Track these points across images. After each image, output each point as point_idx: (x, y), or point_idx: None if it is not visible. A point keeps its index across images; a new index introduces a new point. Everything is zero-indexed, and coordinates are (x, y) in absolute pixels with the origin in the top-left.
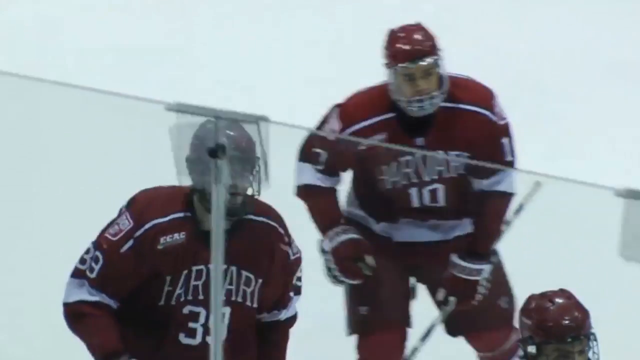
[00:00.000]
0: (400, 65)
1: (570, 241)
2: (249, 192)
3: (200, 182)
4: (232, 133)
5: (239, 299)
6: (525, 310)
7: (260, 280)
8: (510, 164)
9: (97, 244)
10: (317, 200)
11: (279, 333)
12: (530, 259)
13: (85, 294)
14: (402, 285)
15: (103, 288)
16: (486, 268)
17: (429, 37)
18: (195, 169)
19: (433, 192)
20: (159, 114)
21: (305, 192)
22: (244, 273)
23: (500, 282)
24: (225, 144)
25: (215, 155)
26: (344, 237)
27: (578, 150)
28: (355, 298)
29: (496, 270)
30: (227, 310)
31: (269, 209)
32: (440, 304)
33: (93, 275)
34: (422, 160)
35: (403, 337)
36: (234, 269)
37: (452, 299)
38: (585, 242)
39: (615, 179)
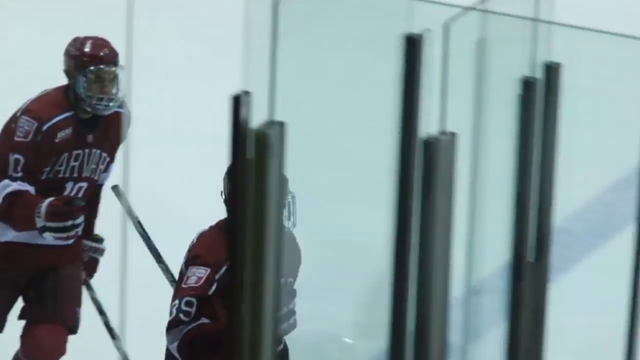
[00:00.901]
0: (98, 66)
1: None
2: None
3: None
4: None
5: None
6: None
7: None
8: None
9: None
10: (22, 197)
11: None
12: None
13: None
14: (10, 294)
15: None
16: (103, 247)
17: (114, 49)
18: None
19: (79, 190)
20: None
21: (10, 198)
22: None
23: (79, 293)
24: None
25: None
26: (47, 200)
27: None
28: None
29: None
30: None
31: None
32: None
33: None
34: (88, 156)
35: None
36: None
37: (88, 278)
38: None
39: None
